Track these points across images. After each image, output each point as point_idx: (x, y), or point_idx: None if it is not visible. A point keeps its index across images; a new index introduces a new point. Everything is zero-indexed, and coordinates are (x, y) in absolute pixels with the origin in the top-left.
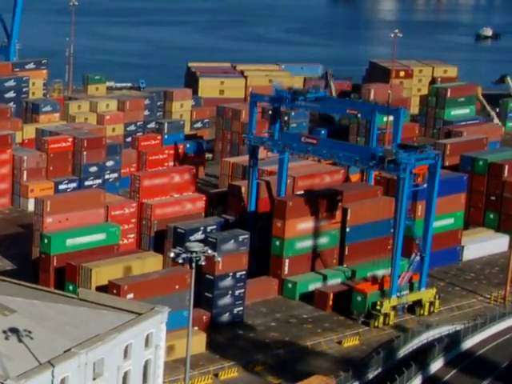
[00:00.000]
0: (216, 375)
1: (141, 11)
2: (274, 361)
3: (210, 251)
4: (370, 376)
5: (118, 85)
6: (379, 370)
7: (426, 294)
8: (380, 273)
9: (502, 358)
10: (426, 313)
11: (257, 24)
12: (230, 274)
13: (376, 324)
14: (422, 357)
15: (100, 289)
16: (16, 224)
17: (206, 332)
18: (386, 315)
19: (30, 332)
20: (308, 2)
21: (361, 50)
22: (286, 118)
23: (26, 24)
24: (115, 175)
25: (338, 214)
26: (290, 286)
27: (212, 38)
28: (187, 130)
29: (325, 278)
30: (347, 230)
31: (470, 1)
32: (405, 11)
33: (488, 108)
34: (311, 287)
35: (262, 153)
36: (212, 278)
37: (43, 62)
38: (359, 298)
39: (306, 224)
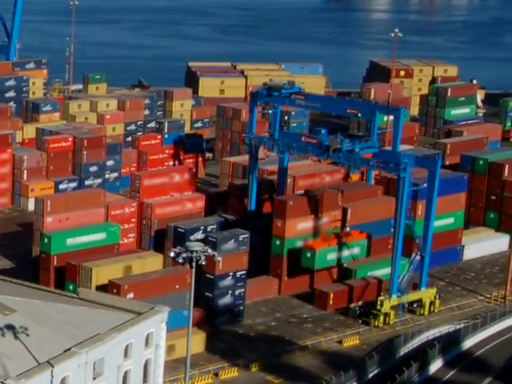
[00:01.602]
0: (216, 375)
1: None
2: (274, 360)
3: (210, 251)
4: (370, 375)
5: None
6: (379, 369)
7: (426, 294)
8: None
9: (502, 357)
10: (426, 312)
11: (254, 24)
12: (230, 273)
13: (376, 323)
14: (421, 356)
15: (100, 288)
16: (16, 223)
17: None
18: (387, 315)
19: (30, 331)
20: (301, 2)
21: (356, 51)
22: (286, 118)
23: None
24: (115, 175)
25: (338, 213)
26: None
27: (214, 39)
28: (187, 130)
29: None
30: (347, 229)
31: (463, 1)
32: (398, 11)
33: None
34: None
35: (262, 152)
36: (212, 277)
37: (43, 61)
38: (308, 255)
39: (306, 223)
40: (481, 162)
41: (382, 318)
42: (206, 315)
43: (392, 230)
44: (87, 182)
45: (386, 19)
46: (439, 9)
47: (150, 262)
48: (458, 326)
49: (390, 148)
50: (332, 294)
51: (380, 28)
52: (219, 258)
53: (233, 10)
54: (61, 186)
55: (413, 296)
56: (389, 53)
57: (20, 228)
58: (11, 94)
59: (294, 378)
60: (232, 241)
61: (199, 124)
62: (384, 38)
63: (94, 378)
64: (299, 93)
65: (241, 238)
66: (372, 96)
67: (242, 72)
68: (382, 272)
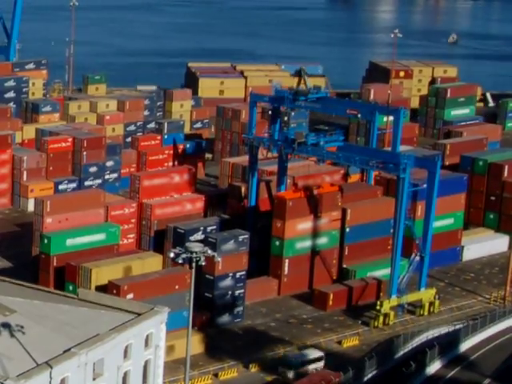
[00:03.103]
0: (216, 375)
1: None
2: (273, 361)
3: (209, 251)
4: (369, 376)
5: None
6: (378, 370)
7: (426, 295)
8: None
9: (501, 358)
10: (425, 313)
11: (259, 25)
12: (230, 274)
13: (376, 324)
14: (420, 357)
15: (100, 289)
16: (16, 224)
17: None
18: (386, 315)
19: (29, 332)
20: (307, 2)
21: (360, 52)
22: (285, 118)
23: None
24: (115, 175)
25: (337, 213)
26: None
27: (213, 38)
28: (187, 130)
29: None
30: (347, 230)
31: (468, 4)
32: (403, 13)
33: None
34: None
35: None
36: (212, 278)
37: (43, 62)
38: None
39: (306, 224)
40: (480, 163)
41: (381, 318)
42: (210, 318)
43: (392, 230)
44: (87, 183)
45: (390, 21)
46: (444, 12)
47: (150, 263)
48: (457, 327)
49: (389, 149)
50: (332, 295)
51: (383, 29)
52: (219, 259)
53: (244, 12)
54: (60, 187)
55: (412, 297)
56: (395, 53)
57: (20, 229)
58: (11, 94)
59: (293, 379)
60: (232, 241)
61: (199, 125)
62: (387, 40)
63: (94, 379)
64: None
65: (240, 238)
66: (372, 97)
67: (242, 73)
68: (382, 273)
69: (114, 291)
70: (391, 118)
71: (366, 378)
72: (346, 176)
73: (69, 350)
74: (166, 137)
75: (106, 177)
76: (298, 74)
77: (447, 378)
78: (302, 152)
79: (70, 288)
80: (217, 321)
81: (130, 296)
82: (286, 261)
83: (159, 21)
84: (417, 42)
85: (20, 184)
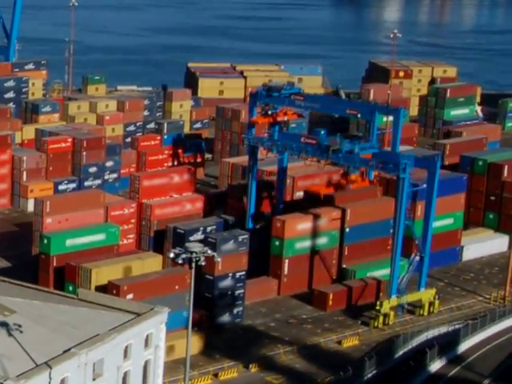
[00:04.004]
0: (216, 375)
1: None
2: (273, 361)
3: (209, 251)
4: (369, 376)
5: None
6: (378, 369)
7: (426, 295)
8: None
9: (500, 358)
10: (425, 313)
11: (259, 23)
12: (230, 274)
13: (376, 324)
14: (420, 357)
15: (100, 289)
16: (15, 224)
17: None
18: (386, 315)
19: (29, 332)
20: (312, 4)
21: (364, 53)
22: (285, 119)
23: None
24: (115, 175)
25: (337, 213)
26: None
27: (214, 39)
28: (187, 131)
29: None
30: (346, 230)
31: (474, 3)
32: (408, 16)
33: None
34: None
35: (262, 153)
36: (212, 278)
37: (43, 62)
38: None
39: (306, 224)
40: (480, 163)
41: (381, 318)
42: (208, 317)
43: (391, 230)
44: (87, 183)
45: (394, 20)
46: (449, 12)
47: (150, 263)
48: (456, 327)
49: (389, 149)
50: (331, 295)
51: (386, 29)
52: (219, 259)
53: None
54: (60, 187)
55: (412, 297)
56: (394, 53)
57: (19, 229)
58: (11, 94)
59: (293, 379)
60: (231, 241)
61: (198, 125)
62: (388, 40)
63: (94, 379)
64: (299, 93)
65: (240, 238)
66: (371, 97)
67: (242, 73)
68: (382, 273)
69: (114, 291)
70: (391, 118)
71: (365, 378)
72: (345, 176)
73: (69, 350)
74: (165, 137)
75: (106, 177)
76: (336, 93)
77: (447, 377)
78: (334, 159)
79: (70, 288)
80: (217, 321)
81: (130, 296)
82: (286, 261)
83: (158, 19)
84: (420, 42)
85: (20, 184)
